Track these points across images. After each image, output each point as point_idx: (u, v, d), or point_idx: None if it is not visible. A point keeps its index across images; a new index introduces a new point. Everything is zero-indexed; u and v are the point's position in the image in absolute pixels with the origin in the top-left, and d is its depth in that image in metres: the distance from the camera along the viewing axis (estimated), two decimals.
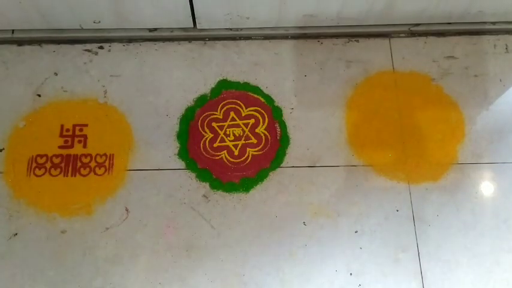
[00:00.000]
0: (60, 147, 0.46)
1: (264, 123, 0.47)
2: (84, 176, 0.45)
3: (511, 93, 0.46)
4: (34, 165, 0.45)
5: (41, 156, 0.46)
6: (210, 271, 0.42)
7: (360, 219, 0.44)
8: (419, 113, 0.47)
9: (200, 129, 0.47)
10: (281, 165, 0.46)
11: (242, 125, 0.47)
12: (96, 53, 0.50)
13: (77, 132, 0.47)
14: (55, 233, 0.43)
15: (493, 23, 0.51)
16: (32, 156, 0.46)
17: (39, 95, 0.48)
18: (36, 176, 0.45)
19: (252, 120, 0.47)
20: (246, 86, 0.49)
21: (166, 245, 0.43)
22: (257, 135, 0.47)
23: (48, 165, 0.45)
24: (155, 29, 0.50)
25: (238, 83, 0.49)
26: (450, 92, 0.48)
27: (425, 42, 0.51)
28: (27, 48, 0.50)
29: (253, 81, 0.49)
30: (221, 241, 0.43)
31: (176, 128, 0.47)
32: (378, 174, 0.45)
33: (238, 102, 0.48)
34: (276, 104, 0.48)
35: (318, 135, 0.47)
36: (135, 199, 0.45)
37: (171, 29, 0.50)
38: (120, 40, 0.50)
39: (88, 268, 0.42)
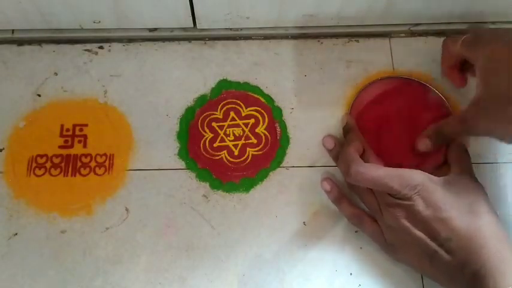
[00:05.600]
0: (60, 147, 0.46)
1: (264, 123, 0.47)
2: (84, 176, 0.45)
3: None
4: (34, 165, 0.45)
5: (41, 156, 0.46)
6: (210, 271, 0.42)
7: None
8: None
9: (200, 129, 0.47)
10: (281, 165, 0.46)
11: (242, 125, 0.47)
12: (96, 53, 0.50)
13: (77, 132, 0.47)
14: (55, 233, 0.43)
15: (493, 23, 0.51)
16: (32, 156, 0.46)
17: (39, 95, 0.48)
18: (36, 176, 0.45)
19: (252, 120, 0.47)
20: (246, 86, 0.49)
21: (166, 245, 0.43)
22: (257, 135, 0.47)
23: (48, 165, 0.45)
24: (155, 29, 0.50)
25: (238, 83, 0.49)
26: (450, 92, 0.48)
27: (425, 42, 0.51)
28: (27, 48, 0.50)
29: (253, 81, 0.49)
30: (221, 241, 0.43)
31: (176, 128, 0.47)
32: None
33: (238, 102, 0.48)
34: (276, 104, 0.48)
35: (318, 135, 0.47)
36: (135, 199, 0.45)
37: (171, 29, 0.50)
38: (120, 40, 0.50)
39: (88, 268, 0.42)
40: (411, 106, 0.47)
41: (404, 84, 0.48)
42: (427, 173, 0.39)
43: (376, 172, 0.39)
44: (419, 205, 0.38)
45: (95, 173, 0.45)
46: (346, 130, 0.46)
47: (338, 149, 0.44)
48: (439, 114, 0.46)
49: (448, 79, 0.46)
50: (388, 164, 0.40)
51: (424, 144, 0.43)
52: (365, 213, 0.42)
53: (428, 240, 0.37)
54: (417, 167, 0.40)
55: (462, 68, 0.45)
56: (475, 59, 0.40)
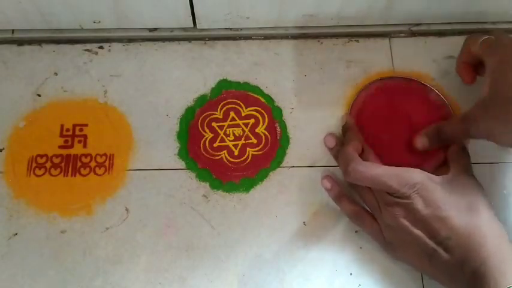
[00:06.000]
0: (60, 147, 0.46)
1: (264, 123, 0.47)
2: (84, 176, 0.45)
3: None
4: (34, 165, 0.45)
5: (41, 156, 0.46)
6: (210, 271, 0.42)
7: None
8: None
9: (200, 129, 0.47)
10: (281, 165, 0.46)
11: (242, 125, 0.47)
12: (96, 53, 0.50)
13: (77, 132, 0.47)
14: (55, 233, 0.43)
15: (493, 23, 0.51)
16: (32, 156, 0.46)
17: (39, 95, 0.48)
18: (36, 176, 0.45)
19: (252, 120, 0.47)
20: (246, 86, 0.49)
21: (166, 245, 0.43)
22: (257, 135, 0.47)
23: (48, 165, 0.45)
24: (155, 29, 0.50)
25: (238, 83, 0.49)
26: (450, 92, 0.48)
27: (425, 42, 0.51)
28: (27, 48, 0.50)
29: (253, 81, 0.49)
30: (221, 241, 0.43)
31: (176, 128, 0.47)
32: None
33: (238, 102, 0.48)
34: (276, 104, 0.48)
35: (318, 135, 0.47)
36: (135, 199, 0.45)
37: (171, 29, 0.50)
38: (120, 40, 0.50)
39: (88, 268, 0.42)
40: (411, 106, 0.47)
41: (405, 84, 0.48)
42: (426, 172, 0.39)
43: (375, 170, 0.39)
44: (418, 204, 0.38)
45: (95, 173, 0.45)
46: (345, 129, 0.46)
47: (339, 147, 0.45)
48: (439, 115, 0.46)
49: (459, 74, 0.46)
50: (387, 164, 0.40)
51: (421, 142, 0.43)
52: (365, 211, 0.42)
53: (427, 239, 0.38)
54: (417, 167, 0.40)
55: (475, 67, 0.45)
56: (488, 61, 0.40)
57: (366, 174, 0.39)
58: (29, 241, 0.43)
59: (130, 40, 0.50)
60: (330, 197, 0.44)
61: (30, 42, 0.50)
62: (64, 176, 0.45)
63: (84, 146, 0.46)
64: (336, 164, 0.46)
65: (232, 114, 0.48)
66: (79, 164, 0.46)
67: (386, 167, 0.39)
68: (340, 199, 0.43)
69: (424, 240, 0.38)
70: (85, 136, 0.46)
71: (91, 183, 0.45)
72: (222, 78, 0.49)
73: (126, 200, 0.45)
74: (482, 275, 0.35)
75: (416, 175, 0.38)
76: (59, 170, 0.45)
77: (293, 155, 0.47)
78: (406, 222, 0.38)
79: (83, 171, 0.45)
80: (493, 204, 0.40)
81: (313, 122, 0.48)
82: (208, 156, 0.46)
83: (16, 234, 0.43)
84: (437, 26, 0.51)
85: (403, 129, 0.46)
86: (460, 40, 0.47)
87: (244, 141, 0.47)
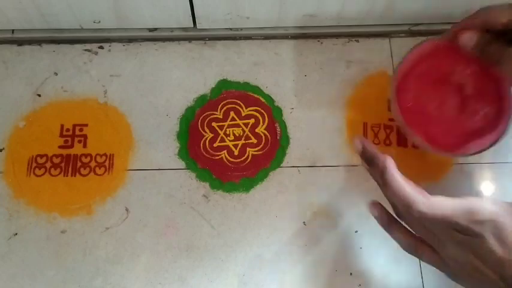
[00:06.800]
0: (60, 147, 0.46)
1: (264, 123, 0.47)
2: (84, 176, 0.45)
3: (511, 93, 0.46)
4: (34, 165, 0.45)
5: (41, 156, 0.46)
6: (210, 271, 0.42)
7: (360, 219, 0.44)
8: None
9: (200, 129, 0.47)
10: (281, 165, 0.46)
11: (242, 125, 0.47)
12: (96, 53, 0.50)
13: (77, 132, 0.47)
14: (55, 233, 0.43)
15: None
16: (32, 156, 0.46)
17: (39, 95, 0.48)
18: (36, 176, 0.45)
19: (252, 120, 0.47)
20: (246, 86, 0.49)
21: (166, 245, 0.43)
22: (257, 135, 0.47)
23: (48, 165, 0.45)
24: (155, 29, 0.50)
25: (238, 83, 0.49)
26: None
27: None
28: (27, 48, 0.50)
29: (253, 81, 0.49)
30: (221, 241, 0.43)
31: (176, 128, 0.47)
32: None
33: (238, 102, 0.48)
34: (276, 104, 0.48)
35: (318, 135, 0.47)
36: (135, 199, 0.45)
37: (171, 29, 0.50)
38: (120, 40, 0.50)
39: (88, 268, 0.42)
40: (465, 76, 0.41)
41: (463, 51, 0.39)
42: (498, 202, 0.33)
43: (442, 210, 0.33)
44: (492, 244, 0.32)
45: (95, 173, 0.45)
46: (369, 158, 0.37)
47: (372, 169, 0.38)
48: (497, 90, 0.40)
49: (461, 36, 0.39)
50: (434, 133, 0.37)
51: (468, 37, 0.38)
52: (422, 243, 0.36)
53: (497, 280, 0.33)
54: (469, 135, 0.36)
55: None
56: None
57: (432, 216, 0.33)
58: (29, 241, 0.43)
59: (131, 40, 0.50)
60: (379, 224, 0.38)
61: (30, 42, 0.50)
62: (64, 176, 0.45)
63: (84, 146, 0.46)
64: (337, 164, 0.46)
65: (232, 114, 0.48)
66: (79, 164, 0.46)
67: (452, 201, 0.33)
68: (391, 228, 0.37)
69: (494, 280, 0.33)
70: (85, 136, 0.47)
71: (91, 183, 0.45)
72: (222, 78, 0.49)
73: (126, 200, 0.45)
74: None
75: (487, 210, 0.32)
76: (59, 170, 0.45)
77: (293, 155, 0.47)
78: (476, 262, 0.33)
79: (83, 171, 0.45)
80: None
81: (313, 122, 0.48)
82: (208, 156, 0.46)
83: (16, 234, 0.43)
84: (437, 26, 0.51)
85: (452, 98, 0.41)
86: None
87: (244, 141, 0.47)
